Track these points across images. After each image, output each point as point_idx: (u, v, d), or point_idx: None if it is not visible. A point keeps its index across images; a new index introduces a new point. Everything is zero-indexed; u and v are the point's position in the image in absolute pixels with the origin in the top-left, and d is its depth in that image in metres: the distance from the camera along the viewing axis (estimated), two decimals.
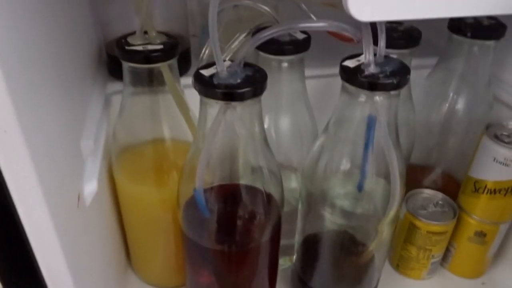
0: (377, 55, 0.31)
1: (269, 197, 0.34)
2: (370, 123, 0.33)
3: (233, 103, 0.28)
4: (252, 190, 0.34)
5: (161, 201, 0.38)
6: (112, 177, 0.39)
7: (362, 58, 0.31)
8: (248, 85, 0.27)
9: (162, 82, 0.34)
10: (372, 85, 0.29)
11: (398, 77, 0.30)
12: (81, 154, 0.31)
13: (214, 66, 0.29)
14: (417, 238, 0.44)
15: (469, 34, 0.40)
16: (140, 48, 0.32)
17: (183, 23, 0.48)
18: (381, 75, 0.30)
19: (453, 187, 0.47)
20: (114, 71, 0.44)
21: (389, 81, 0.29)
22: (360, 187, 0.36)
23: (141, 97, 0.36)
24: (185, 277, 0.40)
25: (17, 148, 0.19)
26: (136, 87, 0.35)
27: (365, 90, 0.30)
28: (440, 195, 0.46)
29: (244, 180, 0.34)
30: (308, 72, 0.40)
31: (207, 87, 0.27)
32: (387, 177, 0.33)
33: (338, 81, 0.32)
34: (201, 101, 0.29)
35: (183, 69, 0.44)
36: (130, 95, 0.36)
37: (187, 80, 0.37)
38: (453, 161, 0.48)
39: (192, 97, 0.32)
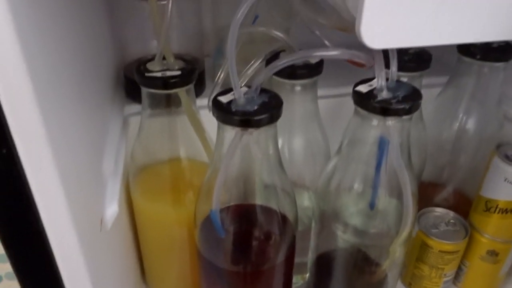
0: (389, 79, 0.32)
1: (283, 217, 0.35)
2: (382, 145, 0.33)
3: (250, 129, 0.29)
4: (267, 210, 0.35)
5: (177, 220, 0.39)
6: (129, 196, 0.40)
7: (374, 83, 0.32)
8: (265, 112, 0.28)
9: (179, 104, 0.36)
10: (385, 110, 0.30)
11: (410, 102, 0.30)
12: (103, 177, 0.32)
13: (232, 93, 0.30)
14: (429, 257, 0.44)
15: (478, 56, 0.40)
16: (158, 74, 0.33)
17: (198, 43, 0.50)
18: (393, 101, 0.30)
19: (465, 204, 0.48)
20: (131, 92, 0.45)
21: (401, 106, 0.30)
22: (372, 207, 0.36)
23: (158, 119, 0.37)
24: None
25: (52, 183, 0.20)
26: (154, 109, 0.36)
27: (377, 115, 0.31)
28: (451, 213, 0.46)
29: (259, 200, 0.35)
30: (320, 92, 0.40)
31: (225, 114, 0.28)
32: (399, 196, 0.34)
33: (350, 100, 0.33)
34: (218, 125, 0.30)
35: (198, 91, 0.45)
36: (148, 116, 0.37)
37: (202, 101, 0.38)
38: (465, 178, 0.49)
39: (207, 118, 0.33)
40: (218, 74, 0.36)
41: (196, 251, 0.36)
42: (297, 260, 0.39)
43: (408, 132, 0.33)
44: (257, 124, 0.28)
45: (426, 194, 0.50)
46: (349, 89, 0.33)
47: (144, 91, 0.34)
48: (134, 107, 0.43)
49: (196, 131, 0.37)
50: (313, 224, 0.42)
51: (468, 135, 0.46)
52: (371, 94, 0.31)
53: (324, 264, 0.42)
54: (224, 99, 0.29)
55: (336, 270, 0.41)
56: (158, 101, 0.35)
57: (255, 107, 0.29)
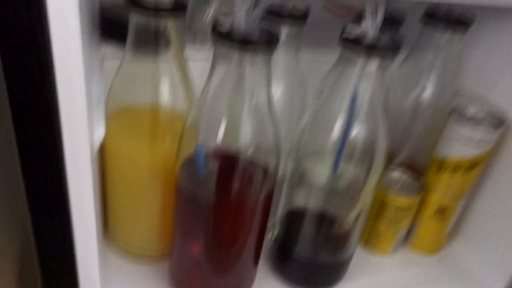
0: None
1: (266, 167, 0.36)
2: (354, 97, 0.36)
3: (248, 54, 0.29)
4: (251, 155, 0.35)
5: (152, 160, 0.38)
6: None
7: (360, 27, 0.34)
8: (265, 37, 0.29)
9: (166, 44, 0.35)
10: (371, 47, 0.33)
11: (393, 42, 0.33)
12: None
13: (229, 20, 0.30)
14: (386, 214, 0.48)
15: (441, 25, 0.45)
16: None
17: None
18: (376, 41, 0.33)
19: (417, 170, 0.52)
20: (107, 33, 0.43)
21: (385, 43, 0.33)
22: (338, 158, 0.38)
23: (141, 61, 0.36)
24: (170, 246, 0.40)
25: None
26: (139, 48, 0.35)
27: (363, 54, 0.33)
28: (407, 174, 0.50)
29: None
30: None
31: (225, 36, 0.29)
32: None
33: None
34: (215, 53, 0.30)
35: None
36: (131, 57, 0.36)
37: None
38: (418, 147, 0.53)
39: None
40: (207, 14, 0.36)
41: (176, 188, 0.35)
42: None
43: (388, 84, 0.36)
44: (257, 48, 0.29)
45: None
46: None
47: (132, 21, 0.34)
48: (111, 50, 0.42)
49: (181, 72, 0.37)
50: (285, 181, 0.43)
51: (424, 104, 0.50)
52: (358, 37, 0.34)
53: (293, 220, 0.43)
54: (224, 23, 0.30)
55: (304, 225, 0.42)
56: (145, 36, 0.34)
57: (256, 33, 0.29)
